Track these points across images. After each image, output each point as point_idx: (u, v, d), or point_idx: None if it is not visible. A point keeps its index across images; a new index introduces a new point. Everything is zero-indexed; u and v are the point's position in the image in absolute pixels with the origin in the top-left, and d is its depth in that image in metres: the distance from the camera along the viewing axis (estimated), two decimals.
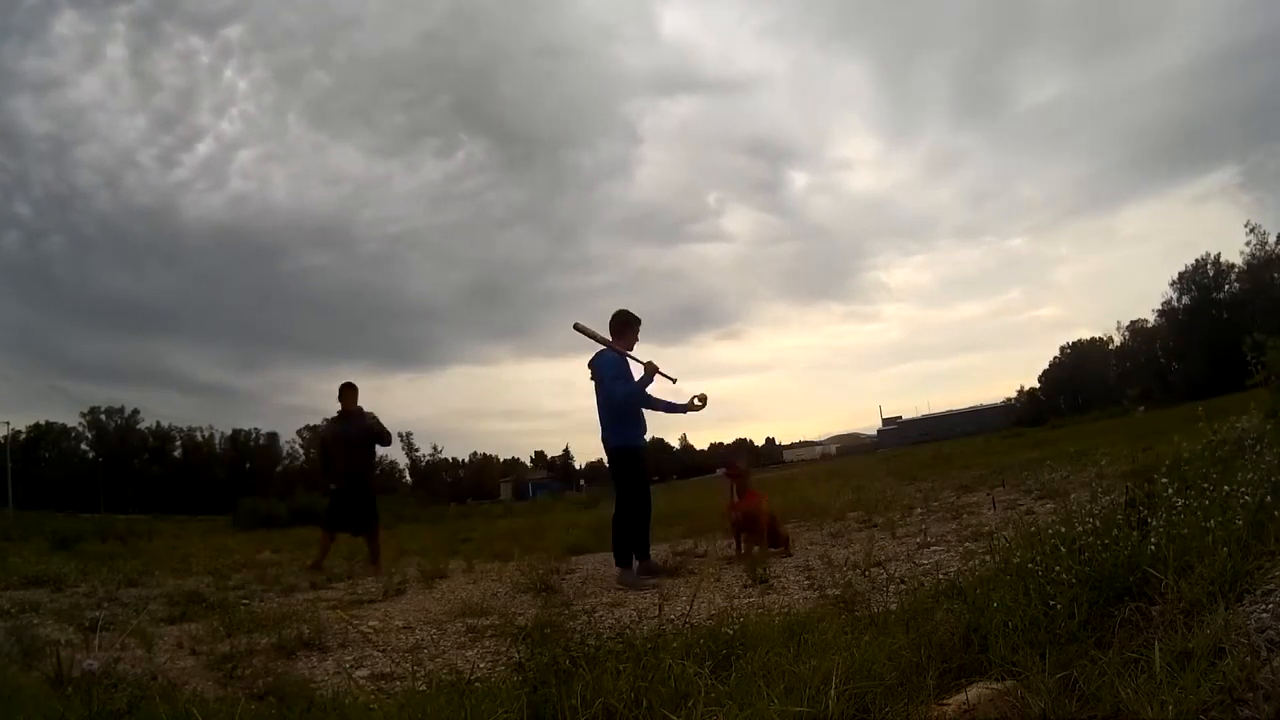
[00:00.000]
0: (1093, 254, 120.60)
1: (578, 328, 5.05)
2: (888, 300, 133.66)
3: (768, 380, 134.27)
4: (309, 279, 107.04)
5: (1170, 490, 2.66)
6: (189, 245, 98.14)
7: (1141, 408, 32.09)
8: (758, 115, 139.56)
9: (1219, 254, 54.75)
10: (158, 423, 70.15)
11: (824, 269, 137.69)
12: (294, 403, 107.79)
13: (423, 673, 2.72)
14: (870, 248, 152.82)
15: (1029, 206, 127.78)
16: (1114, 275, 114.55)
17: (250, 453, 73.69)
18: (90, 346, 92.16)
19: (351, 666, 3.17)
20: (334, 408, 7.32)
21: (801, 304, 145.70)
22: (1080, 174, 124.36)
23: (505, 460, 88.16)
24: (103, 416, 67.97)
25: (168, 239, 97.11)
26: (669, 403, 5.20)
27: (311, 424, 75.55)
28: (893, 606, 2.71)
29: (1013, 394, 76.63)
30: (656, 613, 2.67)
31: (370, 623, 4.22)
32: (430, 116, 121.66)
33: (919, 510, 7.08)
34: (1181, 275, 56.83)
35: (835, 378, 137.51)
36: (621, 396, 4.93)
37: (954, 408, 78.55)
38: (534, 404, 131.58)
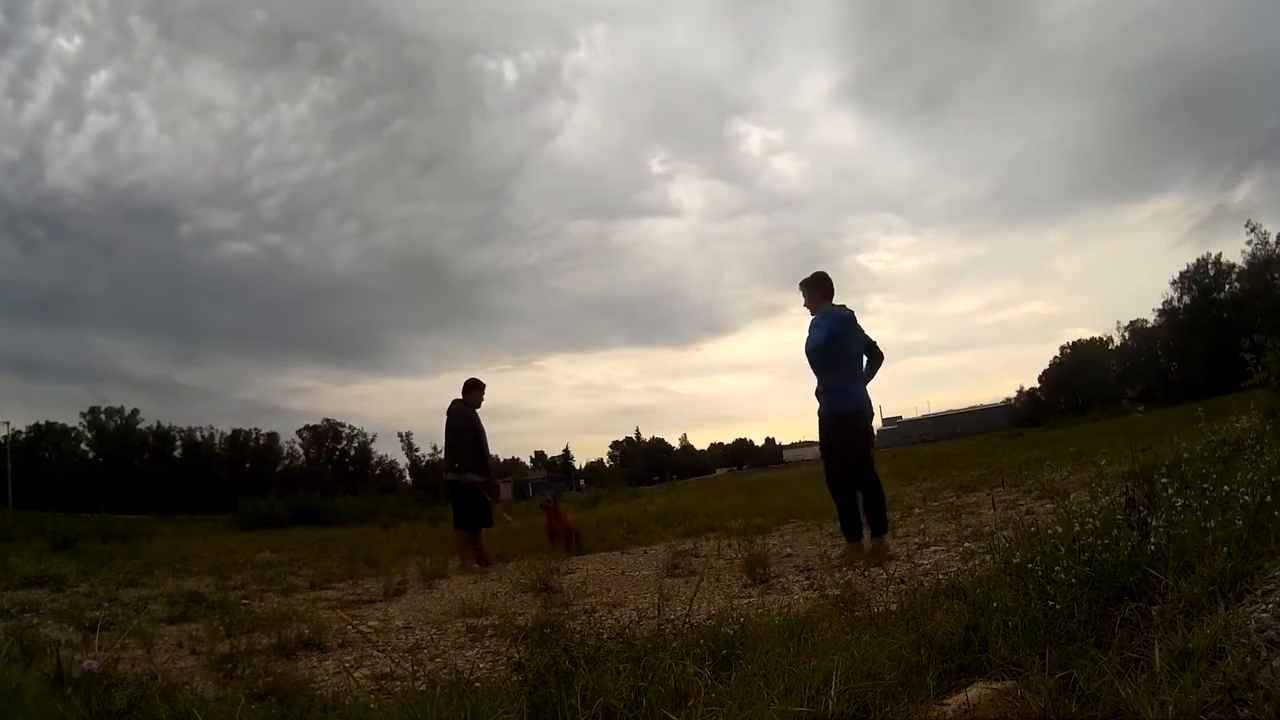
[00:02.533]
0: (1099, 238, 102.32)
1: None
2: (874, 290, 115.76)
3: (761, 380, 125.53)
4: (219, 249, 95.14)
5: (1170, 490, 2.66)
6: (70, 209, 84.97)
7: (1141, 407, 31.99)
8: (687, 47, 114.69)
9: (1219, 254, 54.89)
10: (158, 423, 70.01)
11: (796, 251, 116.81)
12: (252, 398, 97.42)
13: (423, 673, 2.72)
14: (847, 225, 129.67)
15: (1028, 171, 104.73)
16: (1122, 263, 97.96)
17: (250, 453, 73.66)
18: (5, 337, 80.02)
19: (351, 666, 3.17)
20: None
21: (778, 293, 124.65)
22: (1091, 124, 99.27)
23: (505, 460, 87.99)
24: (103, 416, 68.00)
25: (45, 201, 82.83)
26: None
27: (311, 424, 75.49)
28: (893, 606, 2.71)
29: (1012, 394, 76.74)
30: (656, 613, 2.67)
31: (370, 623, 4.22)
32: (293, 9, 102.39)
33: (919, 510, 7.08)
34: (1182, 275, 56.97)
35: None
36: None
37: (954, 408, 78.53)
38: (518, 404, 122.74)
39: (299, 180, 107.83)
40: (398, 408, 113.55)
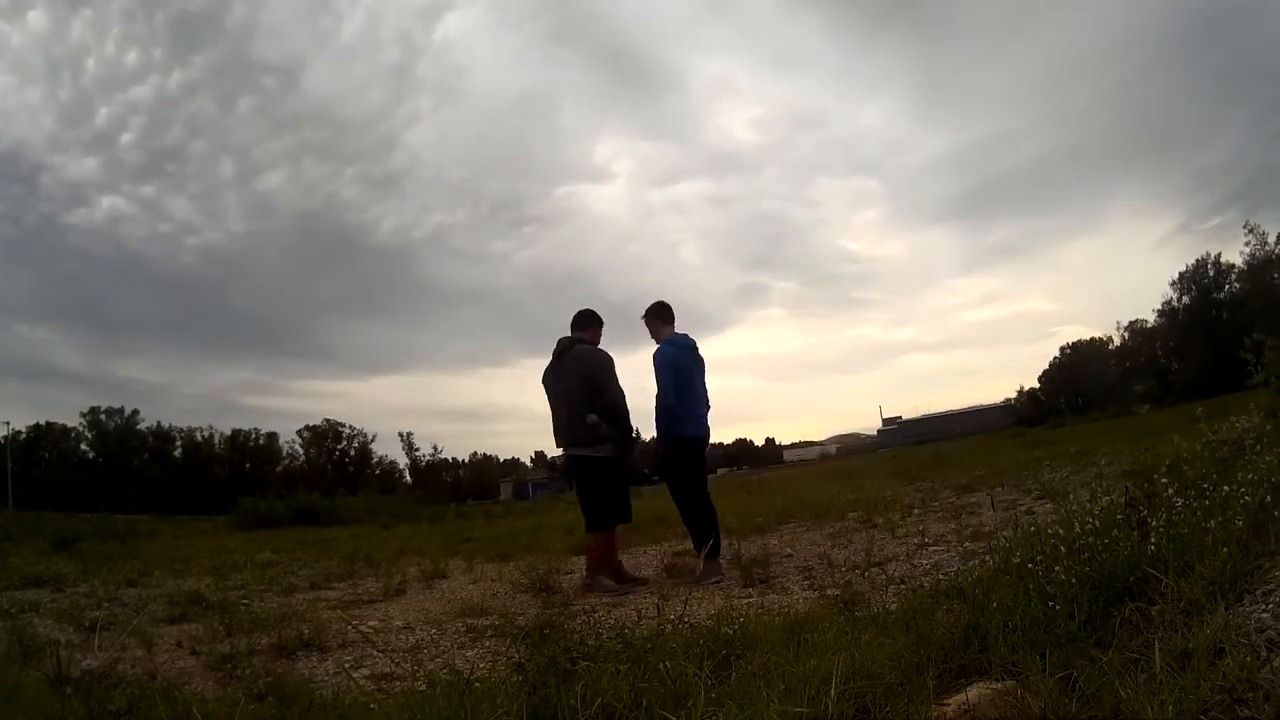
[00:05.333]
0: (1107, 218, 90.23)
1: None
2: (858, 278, 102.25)
3: (755, 381, 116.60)
4: (92, 205, 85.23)
5: (1170, 490, 2.66)
6: None
7: (1146, 406, 32.04)
8: None
9: (1219, 254, 54.92)
10: (158, 423, 70.01)
11: (757, 225, 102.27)
12: (199, 392, 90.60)
13: (423, 673, 2.72)
14: (815, 191, 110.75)
15: (1019, 126, 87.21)
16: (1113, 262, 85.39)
17: (250, 453, 73.70)
18: None
19: (351, 666, 3.17)
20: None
21: (746, 275, 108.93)
22: (1091, 52, 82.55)
23: (505, 460, 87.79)
24: (103, 416, 68.00)
25: None
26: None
27: (312, 424, 75.46)
28: (893, 606, 2.71)
29: (1013, 394, 76.51)
30: (656, 613, 2.67)
31: (370, 623, 4.22)
32: None
33: (919, 510, 7.08)
34: (1182, 275, 56.98)
35: (819, 378, 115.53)
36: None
37: (954, 408, 78.21)
38: (492, 403, 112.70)
39: (148, 101, 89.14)
40: (376, 407, 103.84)
